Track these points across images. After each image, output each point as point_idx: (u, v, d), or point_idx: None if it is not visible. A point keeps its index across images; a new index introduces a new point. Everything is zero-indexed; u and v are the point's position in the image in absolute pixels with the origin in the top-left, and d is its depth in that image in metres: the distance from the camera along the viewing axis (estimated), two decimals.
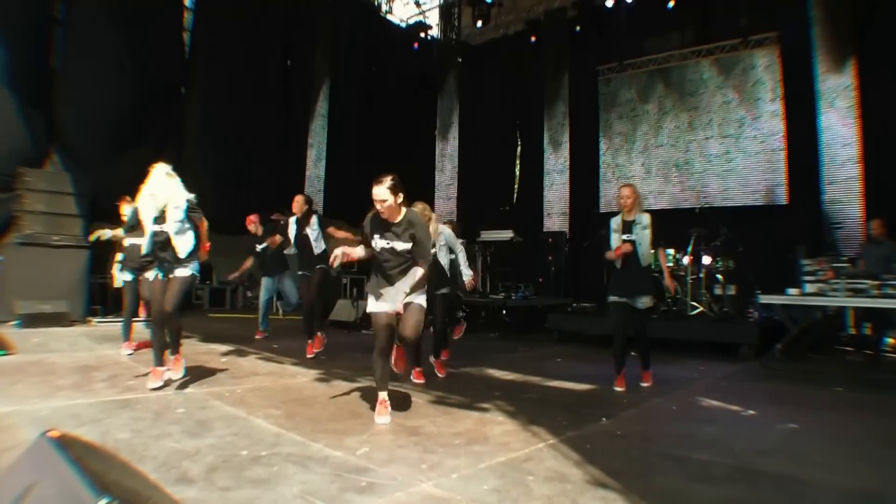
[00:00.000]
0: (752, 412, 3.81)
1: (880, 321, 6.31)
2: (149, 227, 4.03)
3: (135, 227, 4.24)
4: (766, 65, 9.82)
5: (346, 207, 12.31)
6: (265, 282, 7.31)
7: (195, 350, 5.81)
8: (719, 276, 7.73)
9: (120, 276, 5.88)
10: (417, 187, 13.75)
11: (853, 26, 8.74)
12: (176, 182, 4.11)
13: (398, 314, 3.39)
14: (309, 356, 5.62)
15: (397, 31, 13.91)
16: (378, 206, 3.33)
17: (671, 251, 7.87)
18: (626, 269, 4.48)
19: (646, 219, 4.55)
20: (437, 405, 3.80)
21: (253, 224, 7.28)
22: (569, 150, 12.16)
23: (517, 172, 13.37)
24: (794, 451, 2.96)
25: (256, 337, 7.03)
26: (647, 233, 4.48)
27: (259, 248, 7.06)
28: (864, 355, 6.47)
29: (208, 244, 4.27)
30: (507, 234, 10.77)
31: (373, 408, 3.46)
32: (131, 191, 9.52)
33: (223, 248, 11.52)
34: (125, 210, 5.16)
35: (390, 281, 3.43)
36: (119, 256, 5.91)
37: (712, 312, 7.41)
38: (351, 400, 3.87)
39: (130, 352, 5.44)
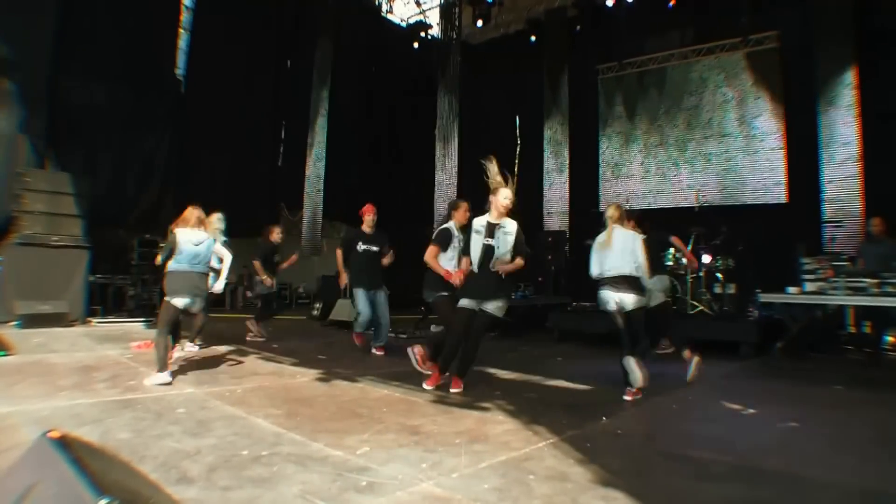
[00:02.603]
0: (752, 411, 3.82)
1: (880, 319, 6.31)
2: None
3: (169, 255, 4.44)
4: (766, 63, 9.82)
5: (347, 207, 12.34)
6: (364, 294, 6.02)
7: (196, 350, 5.81)
8: (719, 275, 7.73)
9: None
10: (418, 187, 13.77)
11: (853, 25, 8.74)
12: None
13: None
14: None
15: (397, 30, 13.91)
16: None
17: (671, 250, 7.88)
18: (479, 273, 4.23)
19: (511, 225, 4.28)
20: (437, 404, 3.81)
21: (371, 215, 6.15)
22: (569, 150, 12.16)
23: (517, 171, 13.37)
24: (795, 450, 2.96)
25: (378, 353, 6.02)
26: (510, 238, 4.21)
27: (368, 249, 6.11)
28: (864, 354, 6.48)
29: None
30: None
31: (373, 407, 3.47)
32: (130, 192, 9.61)
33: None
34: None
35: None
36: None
37: (712, 311, 7.41)
38: (351, 399, 3.87)
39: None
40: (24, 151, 7.85)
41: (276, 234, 7.10)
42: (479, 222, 4.33)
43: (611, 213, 4.60)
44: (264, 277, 6.78)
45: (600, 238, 4.55)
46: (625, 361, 4.13)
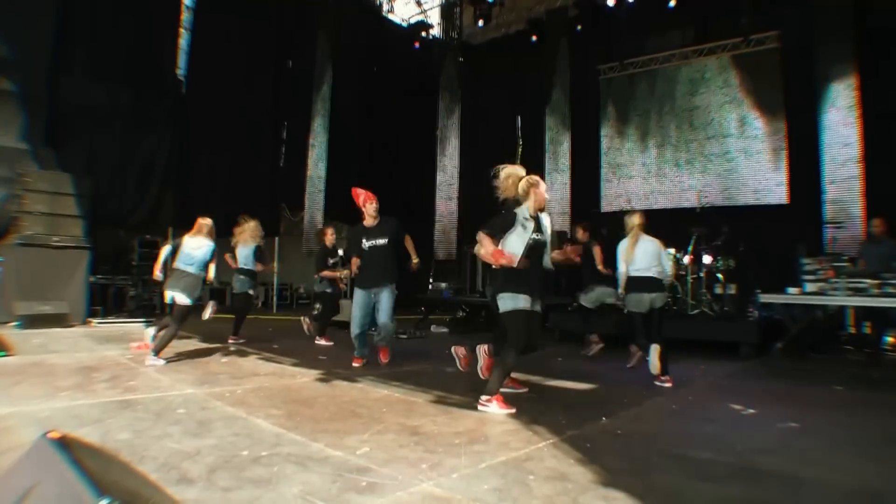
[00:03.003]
0: (752, 411, 3.82)
1: (880, 320, 6.30)
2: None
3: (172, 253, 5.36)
4: (767, 64, 9.81)
5: (347, 208, 12.34)
6: (359, 295, 5.28)
7: (196, 351, 5.82)
8: (720, 276, 7.72)
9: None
10: (418, 187, 13.77)
11: (853, 25, 8.73)
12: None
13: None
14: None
15: (398, 30, 13.91)
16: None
17: (671, 250, 7.88)
18: (532, 269, 3.80)
19: (547, 217, 4.00)
20: (437, 405, 3.81)
21: (371, 203, 5.37)
22: (570, 150, 12.15)
23: None
24: (795, 450, 2.96)
25: (355, 364, 5.30)
26: (549, 232, 3.96)
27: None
28: (864, 354, 6.47)
29: None
30: None
31: (373, 408, 3.48)
32: (130, 192, 9.53)
33: (222, 250, 11.60)
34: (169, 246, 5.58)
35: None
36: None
37: (713, 311, 7.41)
38: (351, 400, 3.87)
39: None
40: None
41: (329, 237, 7.25)
42: (524, 213, 3.80)
43: (637, 220, 5.15)
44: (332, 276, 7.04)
45: (624, 243, 5.16)
46: (652, 348, 4.68)
